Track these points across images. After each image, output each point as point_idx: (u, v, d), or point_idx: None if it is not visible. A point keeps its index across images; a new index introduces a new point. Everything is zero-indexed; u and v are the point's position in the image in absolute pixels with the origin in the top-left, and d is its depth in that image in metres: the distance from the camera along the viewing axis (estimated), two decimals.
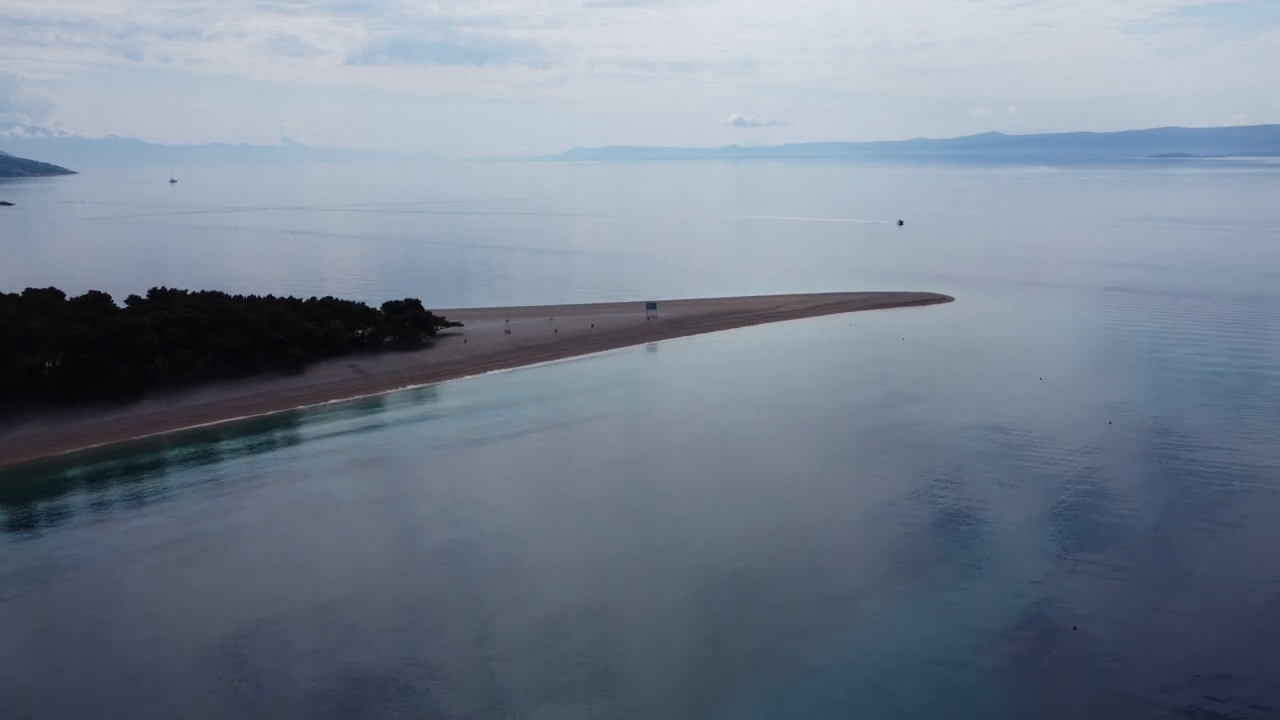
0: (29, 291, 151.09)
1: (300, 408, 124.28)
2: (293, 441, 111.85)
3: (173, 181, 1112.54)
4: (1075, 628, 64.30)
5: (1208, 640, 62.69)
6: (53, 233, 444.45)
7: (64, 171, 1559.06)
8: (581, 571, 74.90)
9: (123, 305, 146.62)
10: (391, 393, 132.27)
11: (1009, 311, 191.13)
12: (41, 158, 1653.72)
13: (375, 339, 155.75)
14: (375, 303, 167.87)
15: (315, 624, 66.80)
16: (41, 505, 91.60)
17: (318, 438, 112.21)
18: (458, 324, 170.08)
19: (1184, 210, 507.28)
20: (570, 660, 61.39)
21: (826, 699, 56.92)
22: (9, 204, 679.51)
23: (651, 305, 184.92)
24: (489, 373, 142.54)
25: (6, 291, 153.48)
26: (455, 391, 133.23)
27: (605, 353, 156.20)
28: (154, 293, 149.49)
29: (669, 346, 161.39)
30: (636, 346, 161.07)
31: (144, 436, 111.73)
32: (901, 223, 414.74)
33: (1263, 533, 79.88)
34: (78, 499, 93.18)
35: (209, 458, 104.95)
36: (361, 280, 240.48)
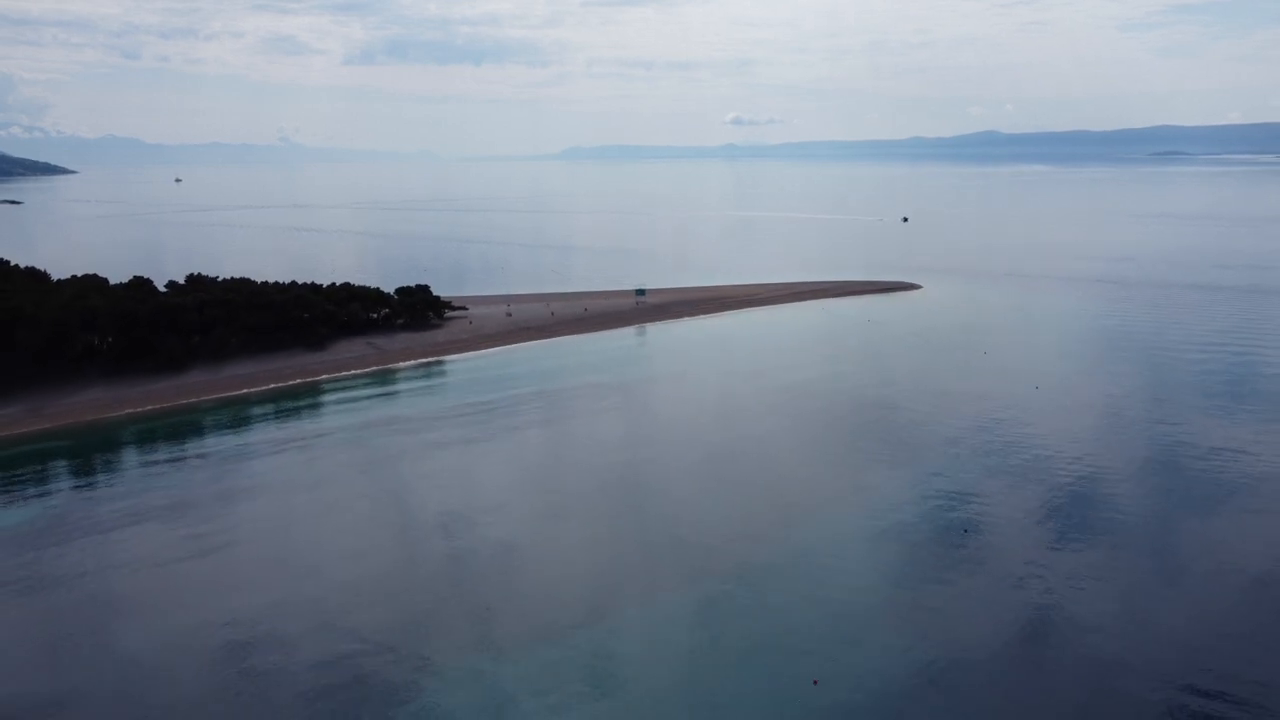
0: (74, 278, 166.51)
1: (325, 377, 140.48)
2: (319, 404, 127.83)
3: (178, 180, 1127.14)
4: (965, 530, 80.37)
5: (1076, 548, 78.87)
6: (70, 230, 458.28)
7: (64, 171, 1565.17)
8: (569, 481, 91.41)
9: (162, 290, 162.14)
10: (405, 365, 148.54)
11: (972, 297, 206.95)
12: (40, 157, 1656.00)
13: (389, 320, 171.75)
14: (386, 290, 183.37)
15: (340, 532, 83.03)
16: (107, 456, 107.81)
17: (342, 401, 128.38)
18: (463, 308, 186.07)
19: (1166, 207, 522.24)
20: (570, 540, 77.79)
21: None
22: (18, 202, 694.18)
23: (640, 292, 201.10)
24: (492, 349, 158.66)
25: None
26: (462, 364, 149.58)
27: (597, 333, 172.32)
28: (190, 278, 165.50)
29: (655, 327, 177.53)
30: (625, 328, 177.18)
31: (191, 400, 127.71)
32: (906, 219, 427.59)
33: (1147, 477, 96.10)
34: (136, 451, 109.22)
35: (248, 418, 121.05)
36: (370, 273, 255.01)
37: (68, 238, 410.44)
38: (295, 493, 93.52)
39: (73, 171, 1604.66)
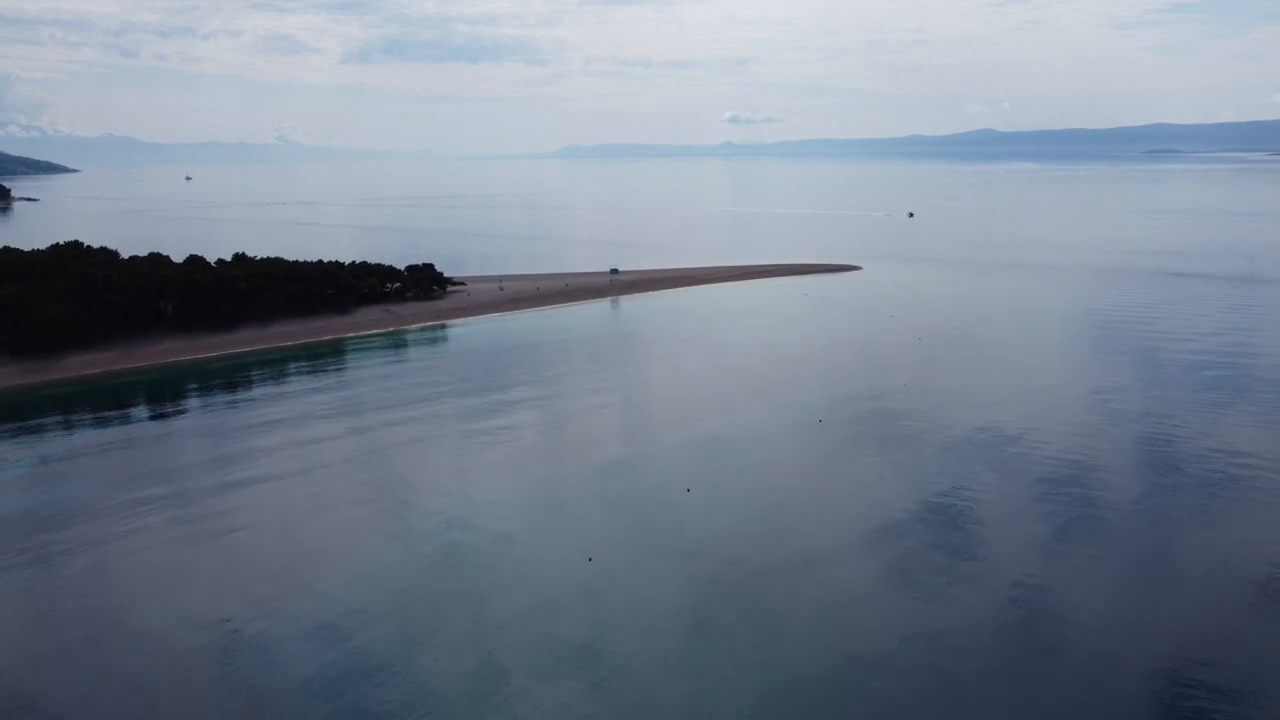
0: (136, 257, 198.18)
1: (350, 335, 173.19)
2: (348, 353, 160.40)
3: (188, 179, 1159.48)
4: (820, 420, 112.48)
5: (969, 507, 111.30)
6: (98, 224, 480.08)
7: (65, 170, 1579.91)
8: (557, 401, 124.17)
9: (213, 265, 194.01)
10: (415, 327, 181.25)
11: (905, 278, 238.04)
12: (38, 156, 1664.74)
13: (400, 292, 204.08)
14: (397, 268, 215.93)
15: (362, 438, 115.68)
16: (186, 386, 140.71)
17: (367, 351, 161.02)
18: (462, 284, 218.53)
19: (1139, 203, 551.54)
20: (560, 429, 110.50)
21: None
22: (34, 199, 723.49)
23: (614, 271, 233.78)
24: (488, 315, 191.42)
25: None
26: (464, 326, 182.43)
27: (577, 304, 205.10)
28: (235, 256, 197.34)
29: (625, 299, 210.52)
30: (601, 299, 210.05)
31: (246, 349, 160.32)
32: (912, 214, 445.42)
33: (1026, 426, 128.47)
34: (209, 383, 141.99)
35: (292, 363, 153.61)
36: (379, 259, 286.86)
37: (101, 231, 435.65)
38: (342, 401, 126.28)
39: (74, 170, 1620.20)
